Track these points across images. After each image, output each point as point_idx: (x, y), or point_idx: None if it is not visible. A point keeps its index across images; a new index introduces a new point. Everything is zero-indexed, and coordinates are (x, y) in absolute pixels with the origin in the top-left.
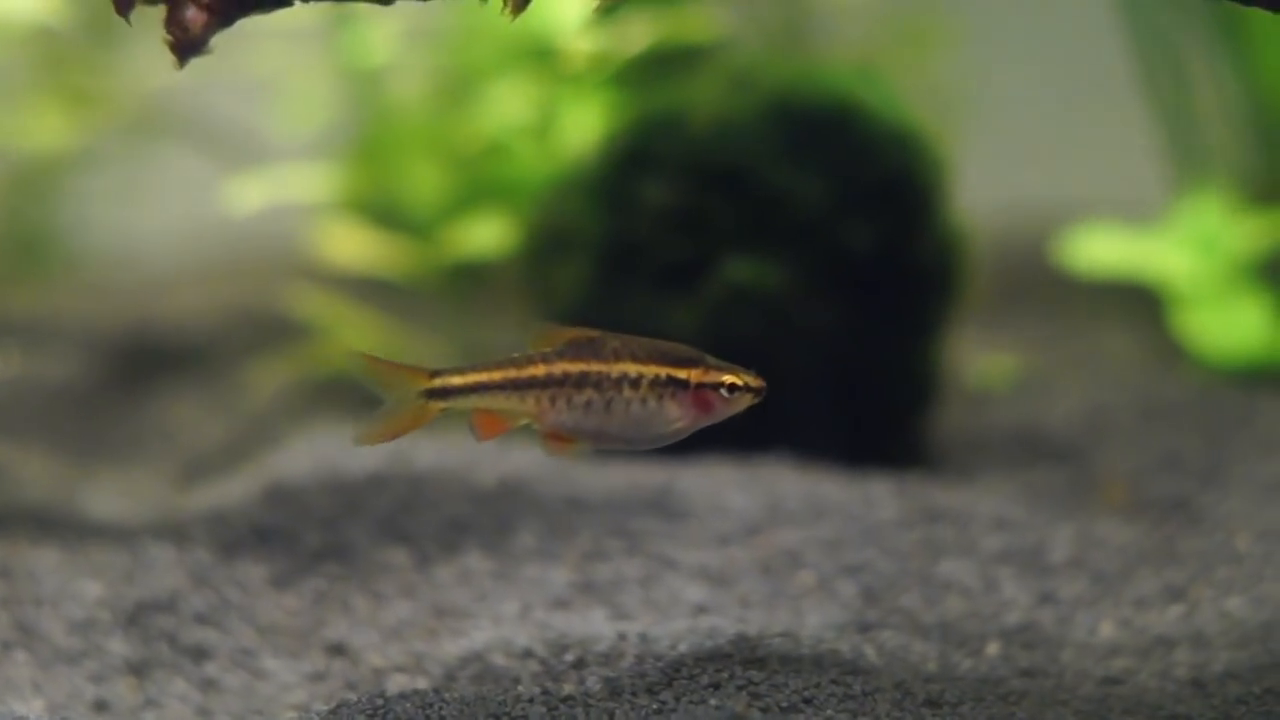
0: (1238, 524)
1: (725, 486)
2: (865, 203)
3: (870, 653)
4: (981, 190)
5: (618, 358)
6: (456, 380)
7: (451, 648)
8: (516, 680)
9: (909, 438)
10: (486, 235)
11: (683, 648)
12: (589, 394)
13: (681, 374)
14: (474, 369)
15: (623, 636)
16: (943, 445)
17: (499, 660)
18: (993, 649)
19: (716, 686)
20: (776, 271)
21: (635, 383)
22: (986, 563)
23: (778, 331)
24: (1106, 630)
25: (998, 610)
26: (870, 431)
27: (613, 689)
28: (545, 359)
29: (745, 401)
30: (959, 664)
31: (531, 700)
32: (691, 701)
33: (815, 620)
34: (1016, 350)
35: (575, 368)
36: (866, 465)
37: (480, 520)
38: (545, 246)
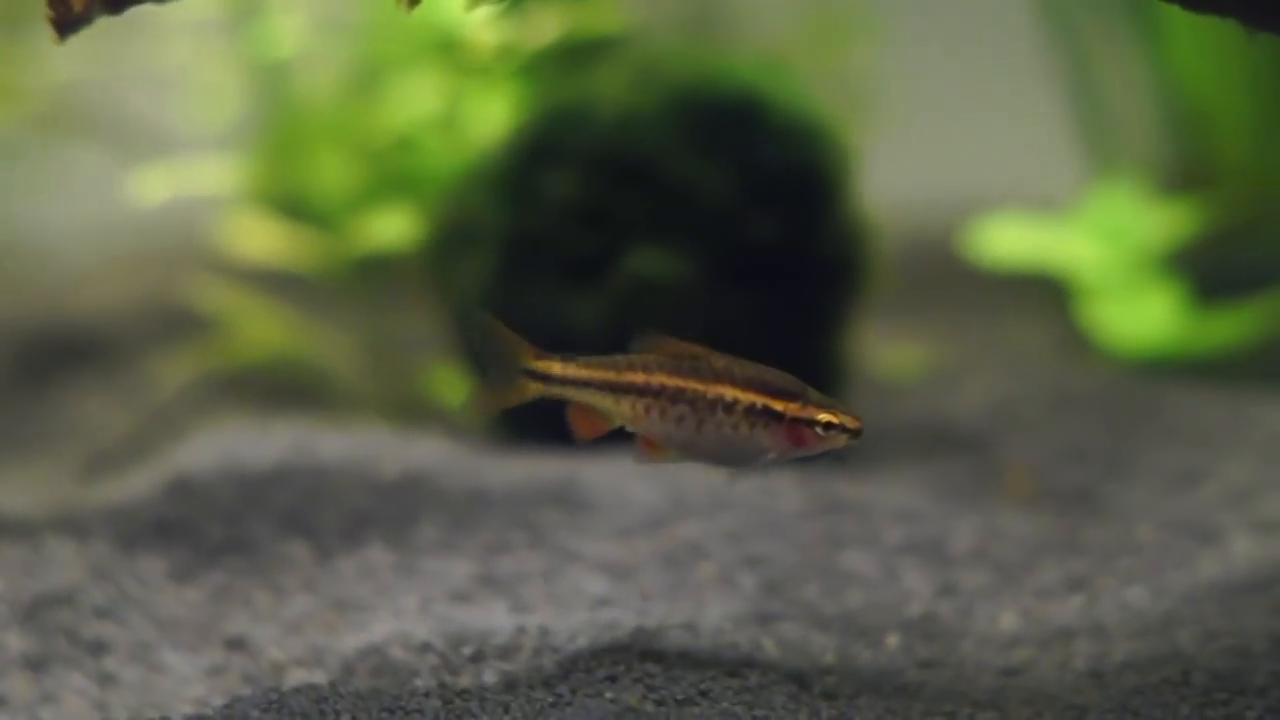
0: (1140, 515)
1: (629, 479)
2: (770, 194)
3: (769, 645)
4: (894, 181)
5: (718, 379)
6: (557, 368)
7: (351, 641)
8: (414, 674)
9: None
10: (393, 228)
11: (581, 641)
12: (683, 410)
13: (778, 405)
14: (579, 362)
15: (522, 630)
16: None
17: (397, 654)
18: (892, 640)
19: (613, 679)
20: (681, 263)
21: (730, 407)
22: (888, 554)
23: (683, 323)
24: (1007, 621)
25: (898, 601)
26: None
27: (509, 682)
28: (646, 367)
29: (840, 441)
30: (858, 655)
31: (427, 694)
32: (587, 695)
33: (715, 612)
34: (925, 341)
35: (673, 382)
36: None
37: (383, 513)
38: (450, 239)
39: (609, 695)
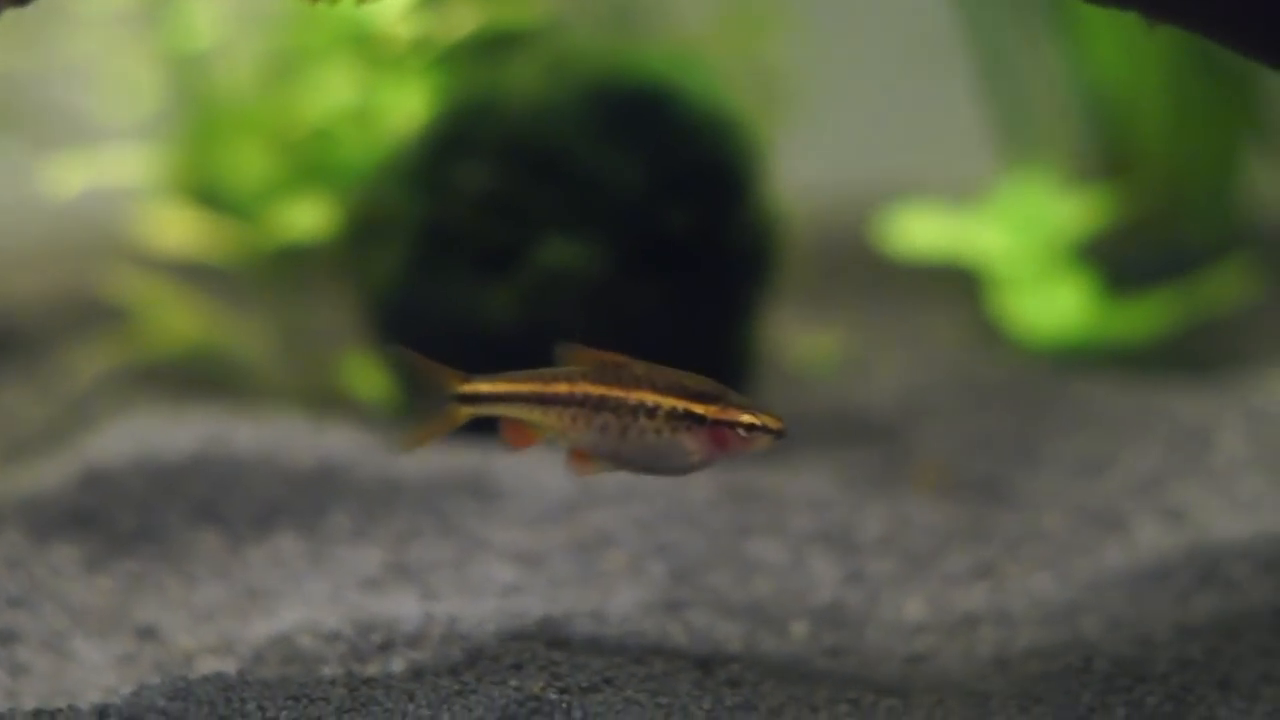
0: (1047, 503)
1: (541, 468)
2: (681, 186)
3: (676, 632)
4: (808, 171)
5: (638, 386)
6: (485, 388)
7: (261, 629)
8: (323, 662)
9: None
10: (308, 219)
11: (489, 628)
12: (607, 418)
13: (698, 409)
14: (504, 379)
15: (431, 617)
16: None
17: (307, 642)
18: (799, 628)
19: (519, 667)
20: (593, 254)
21: (652, 412)
22: (797, 542)
23: (594, 313)
24: (913, 608)
25: (806, 589)
26: None
27: (416, 670)
28: (571, 378)
29: (764, 442)
30: (764, 643)
31: (334, 682)
32: (492, 683)
33: (623, 600)
34: (838, 331)
35: (596, 390)
36: None
37: (295, 502)
38: (364, 230)
39: (514, 683)
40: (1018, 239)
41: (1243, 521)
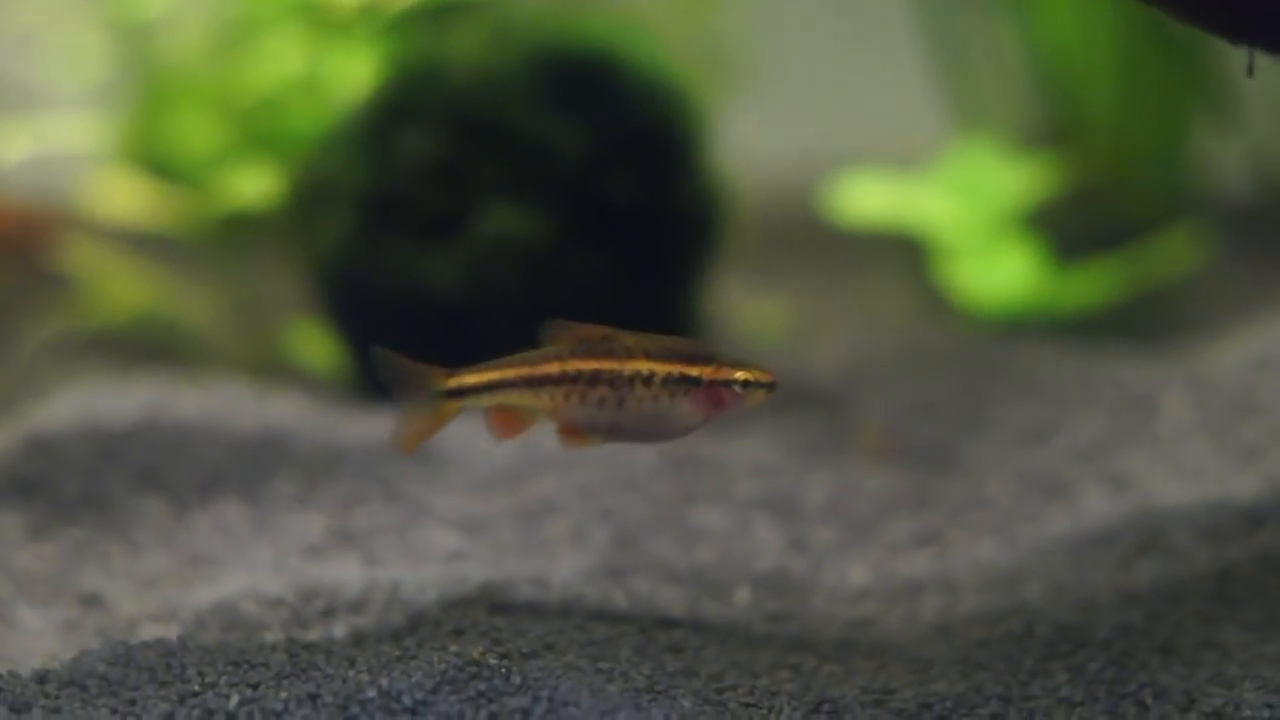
0: (991, 470)
1: (485, 435)
2: (625, 153)
3: (618, 598)
4: (759, 141)
5: (631, 355)
6: (471, 379)
7: (204, 596)
8: (265, 628)
9: None
10: (255, 187)
11: (431, 594)
12: (603, 391)
13: (694, 371)
14: (489, 367)
15: (373, 584)
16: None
17: (249, 608)
18: (742, 594)
19: (460, 633)
20: (537, 221)
21: (648, 380)
22: (741, 509)
23: (539, 281)
24: (857, 575)
25: (749, 556)
26: None
27: (357, 636)
28: (560, 356)
29: (759, 398)
30: (707, 609)
31: (274, 648)
32: (433, 648)
33: (567, 566)
34: (785, 299)
35: (589, 365)
36: None
37: (240, 469)
38: (309, 199)
39: (454, 649)
40: (964, 207)
41: (1186, 488)
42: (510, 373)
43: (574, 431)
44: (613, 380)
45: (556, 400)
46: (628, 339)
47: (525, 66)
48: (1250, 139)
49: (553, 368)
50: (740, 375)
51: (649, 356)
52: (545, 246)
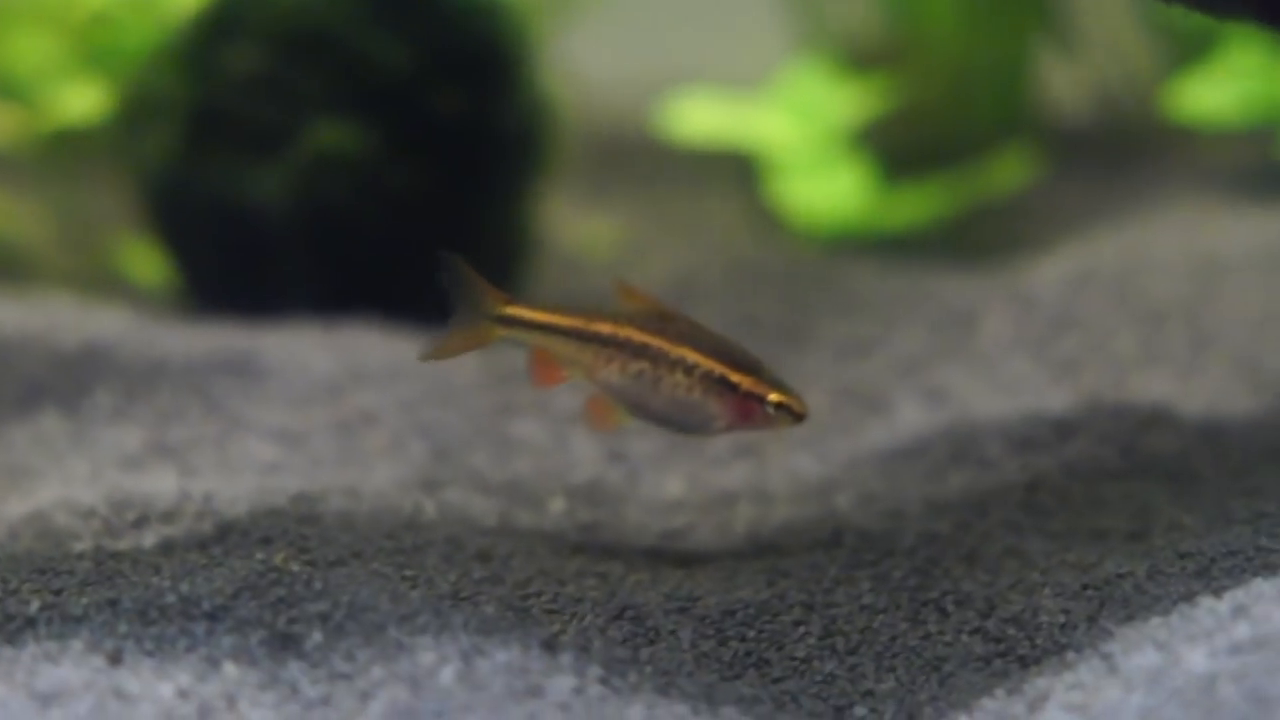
0: (810, 383)
1: (309, 349)
2: (451, 70)
3: (430, 509)
4: (596, 60)
5: (681, 341)
6: (527, 314)
7: (18, 507)
8: (76, 537)
9: None
10: (84, 103)
11: (243, 506)
12: (644, 366)
13: (734, 377)
14: (547, 309)
15: (187, 495)
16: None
17: (62, 518)
18: (556, 505)
19: (267, 541)
20: (363, 136)
21: (689, 369)
22: (559, 422)
23: (364, 196)
24: (673, 486)
25: (566, 468)
26: None
27: (166, 545)
28: (615, 319)
29: (785, 423)
30: (519, 519)
31: (81, 556)
32: (240, 556)
33: (381, 478)
34: (616, 217)
35: (639, 337)
36: None
37: (58, 382)
38: (137, 114)
39: (260, 557)
40: (795, 126)
41: (1002, 402)
42: (564, 320)
43: (601, 410)
44: (656, 358)
45: (598, 361)
46: (684, 325)
47: None
48: (1090, 65)
49: (604, 327)
50: (774, 397)
51: (698, 349)
52: (370, 162)
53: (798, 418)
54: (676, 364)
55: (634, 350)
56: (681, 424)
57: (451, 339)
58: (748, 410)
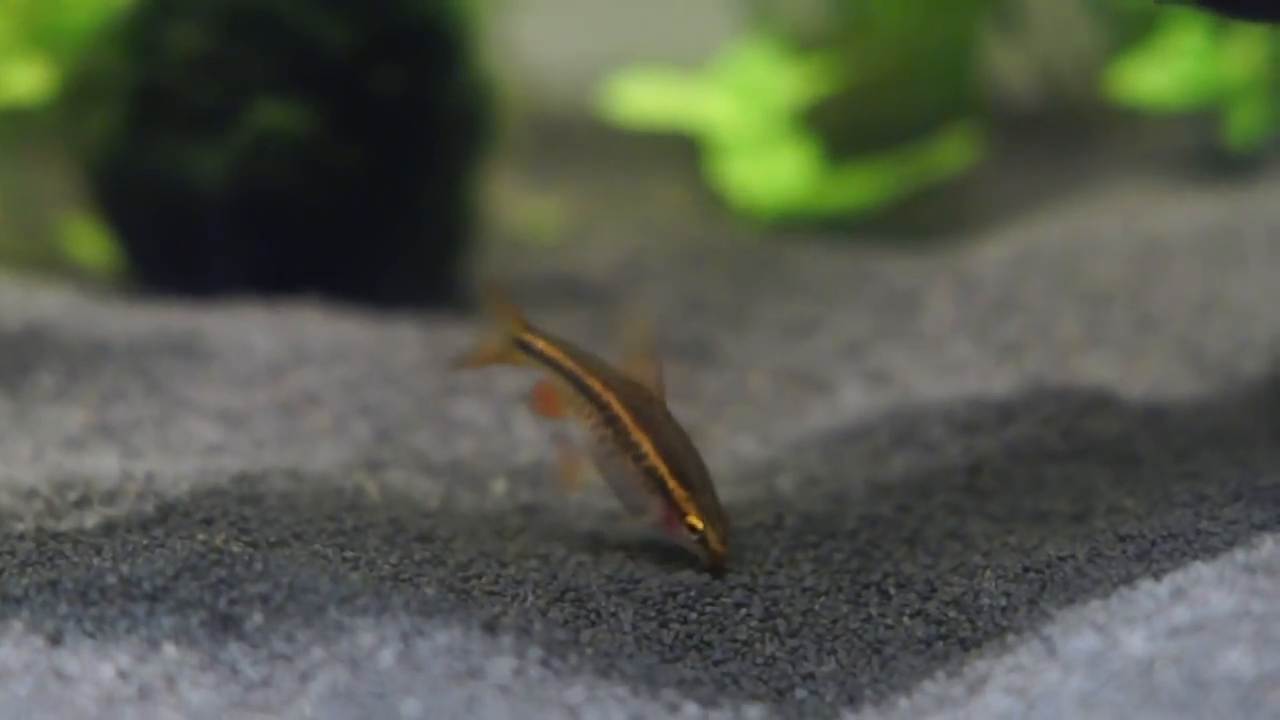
0: (753, 365)
1: (251, 330)
2: (394, 48)
3: (372, 490)
4: (545, 43)
5: (647, 429)
6: (540, 344)
7: None
8: (17, 518)
9: (440, 282)
10: (27, 82)
11: (185, 486)
12: (608, 434)
13: (672, 484)
14: (560, 346)
15: (129, 476)
16: (476, 290)
17: (3, 499)
18: (499, 486)
19: (209, 522)
20: (305, 116)
21: (639, 457)
22: (503, 404)
23: (306, 175)
24: None
25: (509, 450)
26: (399, 275)
27: (108, 526)
28: (607, 380)
29: (698, 550)
30: (462, 501)
31: (22, 537)
32: (181, 537)
33: (324, 458)
34: (561, 198)
35: (615, 407)
36: (395, 309)
37: (1, 362)
38: (80, 94)
39: (201, 537)
40: (740, 107)
41: (945, 384)
42: (569, 362)
43: (568, 460)
44: (619, 435)
45: (582, 411)
46: (661, 414)
47: None
48: (1035, 47)
49: (596, 383)
50: (696, 522)
51: (655, 442)
52: (312, 141)
53: (713, 555)
54: (632, 446)
55: (608, 417)
56: (625, 500)
57: (477, 352)
58: (670, 520)
